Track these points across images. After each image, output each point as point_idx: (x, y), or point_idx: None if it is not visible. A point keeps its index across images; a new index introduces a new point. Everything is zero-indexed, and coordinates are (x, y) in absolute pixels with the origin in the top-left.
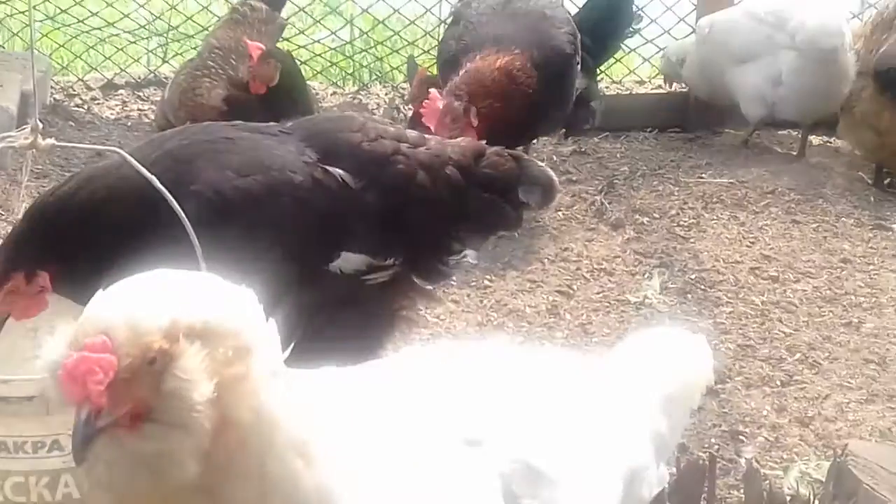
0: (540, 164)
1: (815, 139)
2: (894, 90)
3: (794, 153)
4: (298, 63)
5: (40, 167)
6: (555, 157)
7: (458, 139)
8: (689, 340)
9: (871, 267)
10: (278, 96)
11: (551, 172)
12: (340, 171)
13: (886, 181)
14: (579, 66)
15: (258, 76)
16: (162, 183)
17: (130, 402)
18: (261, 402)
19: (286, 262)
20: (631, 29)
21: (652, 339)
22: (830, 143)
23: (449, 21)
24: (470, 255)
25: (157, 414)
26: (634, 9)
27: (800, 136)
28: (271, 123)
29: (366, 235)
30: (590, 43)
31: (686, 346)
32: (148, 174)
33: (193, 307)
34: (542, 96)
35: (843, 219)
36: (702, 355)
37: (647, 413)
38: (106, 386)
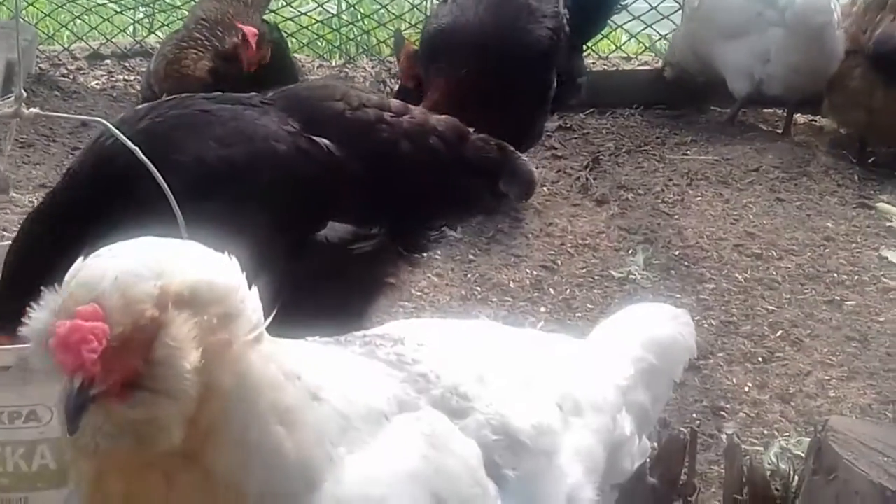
0: (523, 157)
1: (799, 117)
2: (892, 70)
3: (779, 131)
4: (285, 35)
5: (24, 136)
6: None
7: (445, 116)
8: (673, 314)
9: (854, 245)
10: (266, 71)
11: (533, 168)
12: (325, 140)
13: (870, 160)
14: (561, 53)
15: (254, 59)
16: (147, 155)
17: (121, 371)
18: (244, 369)
19: (272, 232)
20: (619, 5)
21: (635, 312)
22: (815, 121)
23: None
24: (451, 231)
25: (145, 381)
26: None
27: (785, 114)
28: (253, 94)
29: (351, 204)
30: (578, 20)
31: (669, 320)
32: (132, 146)
33: (181, 274)
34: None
35: (826, 197)
36: (685, 329)
37: (630, 385)
38: (99, 354)
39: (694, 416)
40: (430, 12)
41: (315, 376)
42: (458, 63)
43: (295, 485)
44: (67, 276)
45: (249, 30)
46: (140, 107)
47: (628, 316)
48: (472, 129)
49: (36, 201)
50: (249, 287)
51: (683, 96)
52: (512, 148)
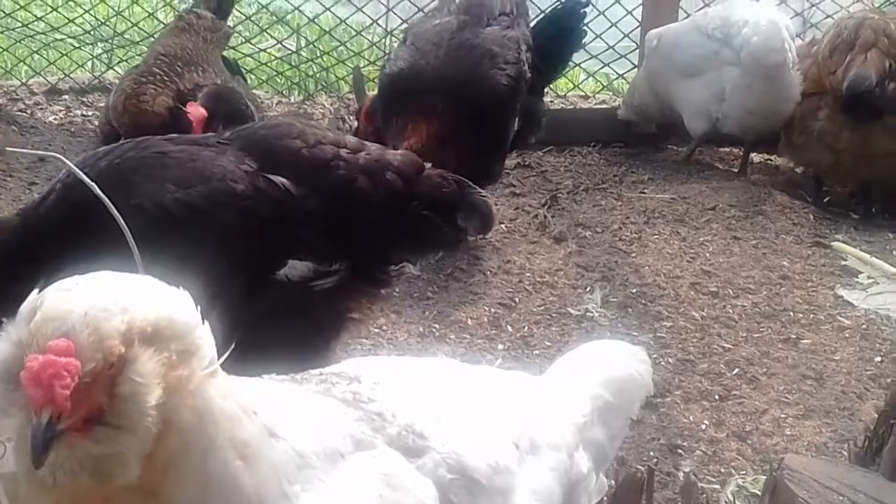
0: (481, 192)
1: (756, 157)
2: (863, 112)
3: (736, 170)
4: (245, 72)
5: None
6: None
7: (402, 151)
8: (629, 352)
9: (810, 284)
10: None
11: (491, 202)
12: (282, 179)
13: (826, 199)
14: (521, 98)
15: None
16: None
17: (87, 406)
18: (203, 404)
19: (231, 272)
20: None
21: (592, 350)
22: (771, 160)
23: (401, 35)
24: (410, 266)
25: (108, 417)
26: (584, 29)
27: (741, 153)
28: (209, 134)
29: (311, 242)
30: (542, 64)
31: (626, 358)
32: (91, 183)
33: (144, 310)
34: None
35: (782, 236)
36: (641, 367)
37: (587, 423)
38: (70, 390)
39: (651, 453)
40: (389, 51)
41: (271, 413)
42: (416, 107)
43: None
44: (26, 309)
45: (196, 113)
46: (98, 150)
47: (585, 353)
48: (428, 165)
49: None
50: (203, 322)
51: (640, 136)
52: (470, 183)
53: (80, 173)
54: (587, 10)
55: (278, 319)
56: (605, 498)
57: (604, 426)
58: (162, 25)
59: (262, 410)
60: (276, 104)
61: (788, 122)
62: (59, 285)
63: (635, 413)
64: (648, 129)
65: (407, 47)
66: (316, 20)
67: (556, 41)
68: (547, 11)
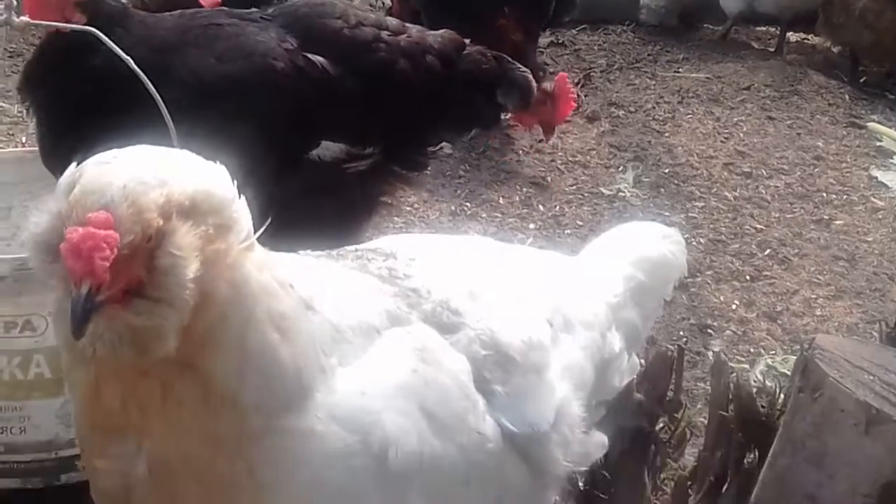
0: (521, 67)
1: (792, 36)
2: None
3: (772, 49)
4: None
5: (14, 46)
6: None
7: (442, 31)
8: (664, 233)
9: (844, 165)
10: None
11: (531, 77)
12: (321, 59)
13: (862, 79)
14: None
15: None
16: (147, 66)
17: (125, 278)
18: (240, 277)
19: (266, 148)
20: None
21: (626, 230)
22: (808, 40)
23: None
24: (446, 146)
25: (146, 289)
26: None
27: (777, 32)
28: (253, 9)
29: (345, 124)
30: None
31: (660, 239)
32: (126, 57)
33: (182, 183)
34: None
35: (817, 116)
36: (675, 248)
37: (620, 303)
38: (110, 262)
39: (681, 333)
40: None
41: (308, 286)
42: None
43: (289, 393)
44: (65, 182)
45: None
46: (166, 14)
47: (619, 234)
48: (468, 41)
49: (25, 111)
50: (240, 197)
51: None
52: (509, 58)
53: (116, 48)
54: None
55: (310, 199)
56: (635, 376)
57: (637, 306)
58: None
59: (299, 284)
60: None
61: (829, 2)
62: (98, 158)
63: (669, 294)
64: (671, 22)
65: None
66: None
67: None
68: None
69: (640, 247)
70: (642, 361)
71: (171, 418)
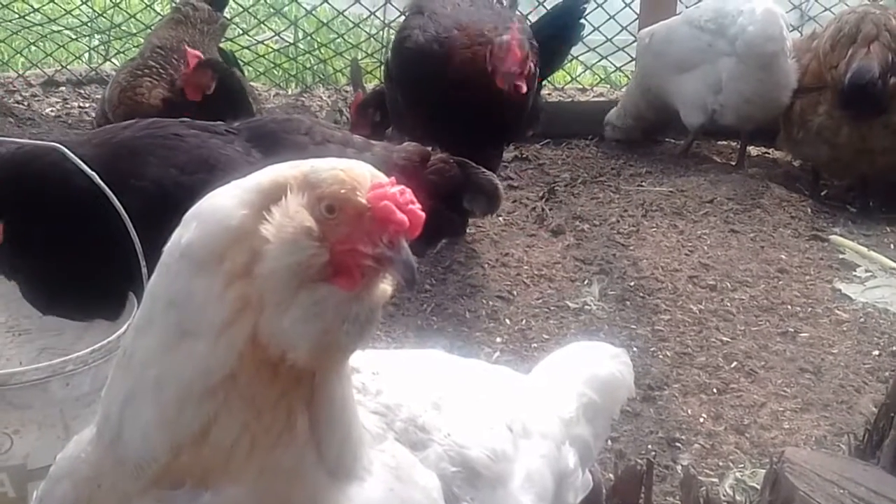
0: (485, 171)
1: (753, 150)
2: (864, 106)
3: (733, 163)
4: (242, 64)
5: None
6: None
7: (405, 144)
8: (612, 353)
9: (808, 277)
10: (216, 104)
11: (496, 180)
12: None
13: (823, 192)
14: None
15: (191, 83)
16: (106, 175)
17: None
18: None
19: None
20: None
21: (576, 350)
22: (768, 153)
23: (409, 11)
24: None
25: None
26: (582, 24)
27: (739, 146)
28: (219, 122)
29: None
30: (544, 55)
31: (609, 359)
32: (89, 170)
33: None
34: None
35: (780, 229)
36: (624, 368)
37: (573, 418)
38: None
39: (650, 447)
40: (387, 42)
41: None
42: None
43: (351, 464)
44: (293, 178)
45: (192, 52)
46: (114, 125)
47: (569, 353)
48: (431, 149)
49: None
50: None
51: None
52: (472, 164)
53: (80, 162)
54: (586, 5)
55: None
56: (605, 490)
57: (588, 424)
58: (159, 17)
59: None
60: (274, 96)
61: (787, 117)
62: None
63: (617, 413)
64: (636, 137)
65: (425, 15)
66: (313, 12)
67: (557, 38)
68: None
69: (589, 366)
70: (611, 476)
71: (275, 457)
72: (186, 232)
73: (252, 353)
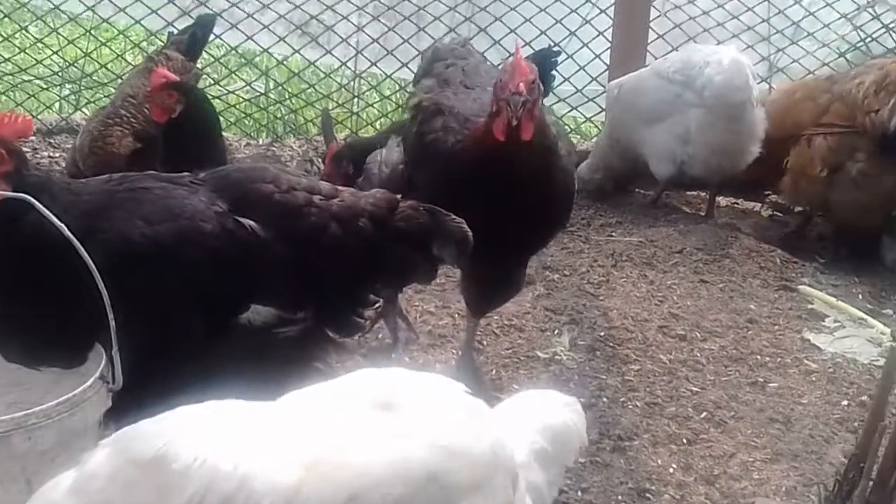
0: (455, 218)
1: (722, 200)
2: None
3: (703, 213)
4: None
5: None
6: None
7: (373, 191)
8: (564, 402)
9: (777, 327)
10: (184, 133)
11: (466, 228)
12: (251, 222)
13: (818, 240)
14: None
15: (156, 104)
16: (74, 234)
17: None
18: None
19: (195, 313)
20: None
21: (527, 398)
22: (737, 204)
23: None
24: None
25: None
26: (553, 75)
27: (707, 196)
28: (184, 174)
29: (276, 288)
30: None
31: (560, 407)
32: (57, 221)
33: None
34: None
35: (749, 279)
36: (576, 417)
37: (526, 463)
38: None
39: (619, 497)
40: (358, 93)
41: None
42: None
43: None
44: None
45: (160, 71)
46: (91, 179)
47: (521, 401)
48: (399, 197)
49: None
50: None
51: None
52: (443, 210)
53: (49, 213)
54: (557, 59)
55: (239, 363)
56: None
57: (542, 470)
58: (130, 66)
59: None
60: (245, 146)
61: (799, 158)
62: None
63: (571, 462)
64: (607, 188)
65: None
66: (285, 62)
67: None
68: None
69: (541, 414)
70: None
71: None
72: None
73: None
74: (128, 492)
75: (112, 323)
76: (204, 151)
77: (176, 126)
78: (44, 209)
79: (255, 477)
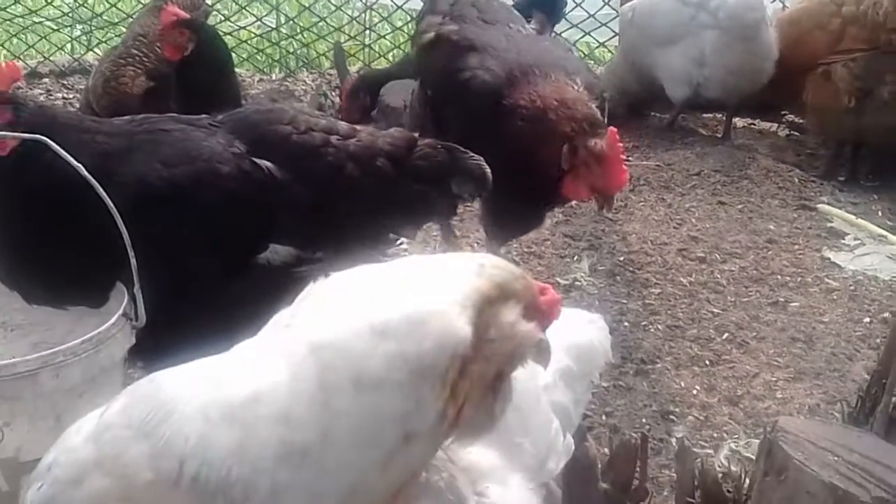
0: (474, 156)
1: (739, 121)
2: None
3: (719, 135)
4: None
5: None
6: None
7: (391, 130)
8: (588, 319)
9: (796, 247)
10: (197, 71)
11: (485, 165)
12: (268, 163)
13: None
14: None
15: (167, 42)
16: (94, 170)
17: None
18: None
19: (214, 253)
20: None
21: None
22: (754, 125)
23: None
24: (404, 242)
25: None
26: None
27: (724, 118)
28: (203, 116)
29: (294, 228)
30: None
31: (585, 325)
32: (75, 163)
33: None
34: None
35: (767, 199)
36: (600, 333)
37: (551, 384)
38: None
39: (644, 420)
40: (369, 24)
41: None
42: None
43: None
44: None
45: (169, 9)
46: (116, 119)
47: None
48: (418, 135)
49: None
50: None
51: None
52: (461, 148)
53: (66, 155)
54: None
55: (258, 302)
56: (600, 465)
57: (568, 389)
58: (140, 5)
59: None
60: (258, 82)
61: (821, 87)
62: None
63: (596, 378)
64: (620, 113)
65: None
66: None
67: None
68: None
69: (566, 333)
70: (605, 451)
71: None
72: (415, 348)
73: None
74: (139, 442)
75: (133, 261)
76: (217, 88)
77: (188, 64)
78: (62, 151)
79: None
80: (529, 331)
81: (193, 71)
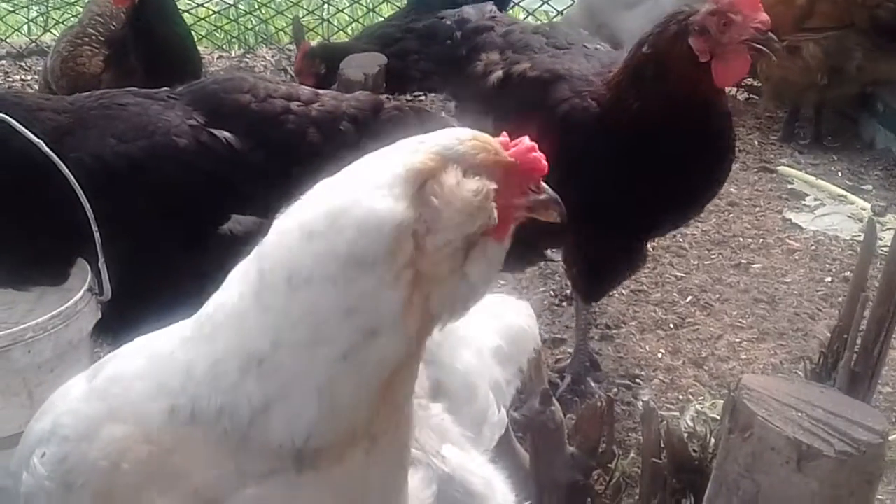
0: (442, 115)
1: None
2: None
3: None
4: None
5: None
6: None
7: (357, 93)
8: (517, 305)
9: (758, 209)
10: (147, 21)
11: (454, 122)
12: (226, 134)
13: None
14: None
15: None
16: (53, 146)
17: None
18: None
19: (175, 226)
20: None
21: (486, 302)
22: None
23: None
24: None
25: None
26: None
27: None
28: (162, 89)
29: (256, 197)
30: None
31: (514, 310)
32: (36, 139)
33: None
34: None
35: None
36: (529, 320)
37: (491, 364)
38: None
39: (607, 385)
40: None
41: None
42: None
43: None
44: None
45: None
46: (75, 96)
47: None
48: (386, 97)
49: None
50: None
51: None
52: (427, 108)
53: (28, 132)
54: None
55: (223, 273)
56: (567, 429)
57: (500, 366)
58: None
59: None
60: (217, 58)
61: (793, 64)
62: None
63: (525, 364)
64: None
65: None
66: None
67: None
68: None
69: (499, 315)
70: (572, 415)
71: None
72: (341, 240)
73: (422, 329)
74: (148, 388)
75: (97, 235)
76: (170, 34)
77: (139, 18)
78: (23, 129)
79: None
80: (476, 187)
81: (146, 20)
